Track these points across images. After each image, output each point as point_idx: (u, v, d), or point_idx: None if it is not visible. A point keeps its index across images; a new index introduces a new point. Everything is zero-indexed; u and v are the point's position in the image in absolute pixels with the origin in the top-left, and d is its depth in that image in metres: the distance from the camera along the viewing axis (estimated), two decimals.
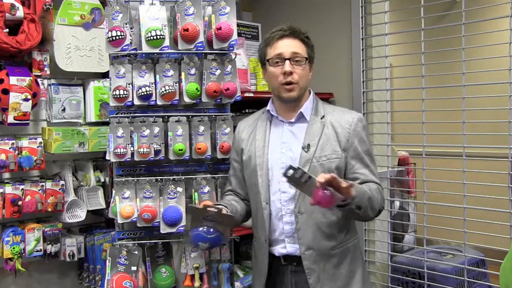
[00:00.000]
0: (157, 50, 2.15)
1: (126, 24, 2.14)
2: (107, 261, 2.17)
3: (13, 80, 2.29)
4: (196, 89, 2.19)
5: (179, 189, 2.19)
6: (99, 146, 2.58)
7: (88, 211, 2.60)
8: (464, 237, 2.65)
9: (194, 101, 2.21)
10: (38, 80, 2.41)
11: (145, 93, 2.15)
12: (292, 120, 1.93)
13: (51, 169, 2.55)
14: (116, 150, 2.13)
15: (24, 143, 2.36)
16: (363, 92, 3.02)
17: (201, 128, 2.23)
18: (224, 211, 1.79)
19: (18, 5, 2.29)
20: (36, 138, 2.40)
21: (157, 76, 2.18)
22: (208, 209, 1.76)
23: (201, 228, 1.75)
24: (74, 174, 2.60)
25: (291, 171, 1.61)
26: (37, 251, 2.42)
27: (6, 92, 2.27)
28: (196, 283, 2.22)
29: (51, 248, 2.47)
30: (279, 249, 1.91)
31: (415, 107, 2.90)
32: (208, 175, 2.25)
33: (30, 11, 2.34)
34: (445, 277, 2.76)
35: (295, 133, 1.92)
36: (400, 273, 2.95)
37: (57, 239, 2.50)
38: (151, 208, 2.14)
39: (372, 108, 3.03)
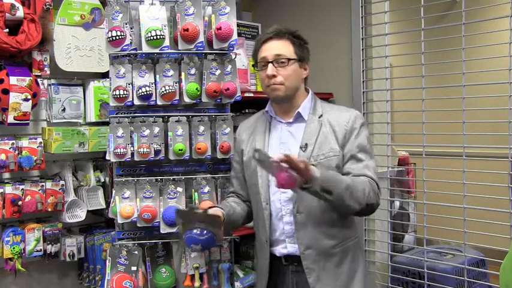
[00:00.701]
0: (157, 50, 2.15)
1: (126, 24, 2.14)
2: (107, 261, 2.17)
3: (13, 80, 2.28)
4: (196, 89, 2.19)
5: (179, 189, 2.19)
6: (99, 146, 2.58)
7: (88, 211, 2.60)
8: (464, 237, 2.65)
9: (194, 101, 2.21)
10: (38, 80, 2.41)
11: (145, 93, 2.15)
12: (291, 120, 1.93)
13: (51, 169, 2.55)
14: (116, 150, 2.13)
15: (24, 143, 2.36)
16: (363, 92, 3.02)
17: (201, 128, 2.23)
18: (211, 211, 1.78)
19: (18, 5, 2.28)
20: (36, 138, 2.40)
21: (157, 76, 2.18)
22: (195, 211, 1.76)
23: (194, 231, 1.75)
24: (74, 174, 2.60)
25: (256, 154, 1.65)
26: (37, 251, 2.42)
27: (6, 92, 2.27)
28: (196, 283, 2.22)
29: (51, 248, 2.47)
30: (279, 250, 1.91)
31: (415, 107, 2.90)
32: (208, 175, 2.25)
33: (30, 11, 2.34)
34: (445, 277, 2.76)
35: (293, 133, 1.92)
36: (400, 273, 2.95)
37: (57, 239, 2.49)
38: (151, 208, 2.14)
39: (372, 108, 3.03)
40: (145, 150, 2.14)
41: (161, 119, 2.20)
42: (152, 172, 2.23)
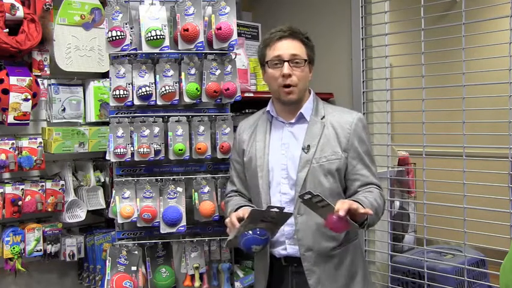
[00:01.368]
0: (157, 50, 2.15)
1: (126, 24, 2.14)
2: (107, 261, 2.17)
3: (13, 80, 2.29)
4: (196, 89, 2.19)
5: (179, 189, 2.19)
6: (99, 146, 2.58)
7: (88, 211, 2.60)
8: (464, 237, 2.65)
9: (194, 101, 2.21)
10: (38, 80, 2.41)
11: (145, 93, 2.15)
12: (292, 121, 1.92)
13: (51, 169, 2.55)
14: (116, 150, 2.13)
15: (24, 143, 2.36)
16: (363, 92, 3.02)
17: (201, 128, 2.23)
18: (286, 210, 1.74)
19: (18, 5, 2.29)
20: (36, 138, 2.40)
21: (157, 76, 2.18)
22: (271, 210, 1.69)
23: (251, 232, 1.70)
24: (74, 174, 2.60)
25: (307, 196, 1.60)
26: (37, 251, 2.42)
27: (6, 92, 2.27)
28: (196, 283, 2.22)
29: (51, 248, 2.47)
30: (279, 251, 1.90)
31: (415, 107, 2.90)
32: (208, 175, 2.25)
33: (30, 11, 2.34)
34: (445, 277, 2.76)
35: (295, 134, 1.91)
36: (400, 273, 2.95)
37: (57, 239, 2.50)
38: (151, 208, 2.14)
39: (372, 108, 3.03)
40: (145, 150, 2.14)
41: (161, 119, 2.20)
42: (152, 172, 2.23)
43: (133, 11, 2.20)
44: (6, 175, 2.42)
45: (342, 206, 1.59)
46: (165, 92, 2.17)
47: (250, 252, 1.75)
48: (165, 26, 2.16)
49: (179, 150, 2.18)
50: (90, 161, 2.64)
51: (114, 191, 2.19)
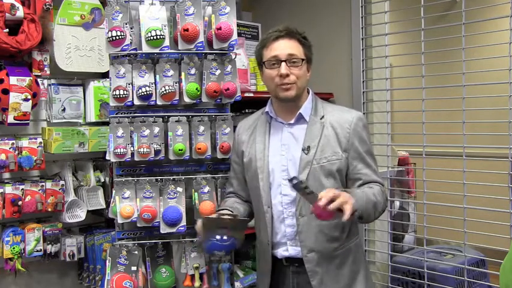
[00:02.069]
0: (157, 50, 2.15)
1: (126, 24, 2.14)
2: (107, 261, 2.17)
3: (13, 80, 2.29)
4: (196, 89, 2.19)
5: (179, 189, 2.19)
6: (99, 146, 2.58)
7: (88, 211, 2.60)
8: (464, 237, 2.65)
9: (194, 101, 2.21)
10: (38, 80, 2.41)
11: (145, 93, 2.15)
12: (292, 121, 1.91)
13: (51, 169, 2.55)
14: (116, 150, 2.13)
15: (24, 143, 2.36)
16: (363, 92, 3.02)
17: (201, 128, 2.23)
18: (238, 217, 1.79)
19: (18, 5, 2.29)
20: (36, 138, 2.40)
21: (157, 76, 2.18)
22: (223, 217, 1.74)
23: (217, 237, 1.74)
24: (74, 174, 2.60)
25: (295, 181, 1.62)
26: (37, 251, 2.42)
27: (6, 92, 2.27)
28: (196, 283, 2.22)
29: (51, 248, 2.47)
30: (281, 252, 1.90)
31: (415, 107, 2.90)
32: (208, 175, 2.25)
33: (30, 11, 2.34)
34: (445, 277, 2.76)
35: (294, 135, 1.91)
36: (400, 273, 2.95)
37: (57, 239, 2.50)
38: (151, 208, 2.14)
39: (372, 108, 3.03)
40: (145, 150, 2.14)
41: (161, 119, 2.19)
42: (152, 172, 2.23)
43: (133, 11, 2.20)
44: (6, 175, 2.42)
45: (325, 195, 1.60)
46: (165, 92, 2.17)
47: (215, 257, 1.81)
48: (165, 26, 2.16)
49: (179, 150, 2.18)
50: (90, 161, 2.64)
51: (114, 191, 2.18)
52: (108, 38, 2.12)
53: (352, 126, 1.87)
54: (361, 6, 3.00)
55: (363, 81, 3.02)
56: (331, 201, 1.60)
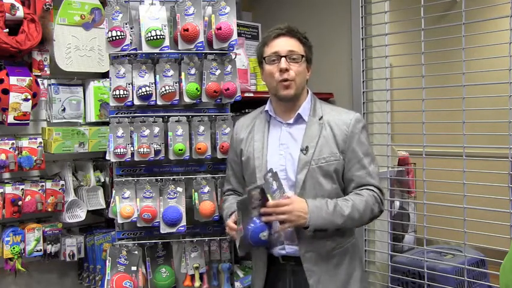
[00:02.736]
0: (157, 50, 2.15)
1: (126, 24, 2.14)
2: (107, 261, 2.17)
3: (13, 80, 2.29)
4: (196, 89, 2.19)
5: (179, 189, 2.19)
6: (99, 146, 2.58)
7: (88, 211, 2.60)
8: (464, 237, 2.65)
9: (194, 101, 2.21)
10: (38, 80, 2.41)
11: (145, 93, 2.15)
12: (291, 121, 1.92)
13: (51, 169, 2.55)
14: (116, 150, 2.13)
15: (24, 143, 2.36)
16: (363, 92, 3.02)
17: (201, 128, 2.23)
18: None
19: (18, 5, 2.28)
20: (36, 138, 2.40)
21: (157, 76, 2.18)
22: (252, 191, 1.73)
23: (252, 224, 1.72)
24: (74, 174, 2.60)
25: (269, 174, 1.74)
26: (37, 251, 2.42)
27: (6, 92, 2.27)
28: (196, 283, 2.22)
29: (51, 248, 2.47)
30: (277, 250, 1.91)
31: (415, 107, 2.90)
32: (208, 175, 2.25)
33: (30, 11, 2.34)
34: (445, 277, 2.76)
35: (293, 135, 1.91)
36: (400, 273, 2.95)
37: (57, 239, 2.49)
38: (151, 208, 2.14)
39: (372, 108, 3.03)
40: (145, 150, 2.14)
41: (161, 119, 2.20)
42: (152, 172, 2.23)
43: (133, 11, 2.20)
44: (6, 175, 2.42)
45: (272, 204, 1.72)
46: (165, 92, 2.17)
47: (263, 243, 1.76)
48: (165, 26, 2.16)
49: (179, 150, 2.18)
50: (90, 161, 2.64)
51: (114, 191, 2.19)
52: (108, 38, 2.12)
53: (350, 128, 1.87)
54: (361, 6, 3.00)
55: (363, 81, 3.02)
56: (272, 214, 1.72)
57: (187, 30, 2.13)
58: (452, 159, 2.77)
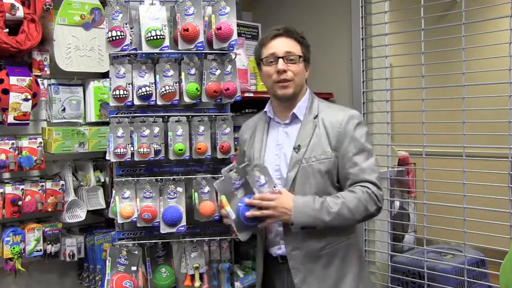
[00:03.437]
0: (157, 50, 2.15)
1: (126, 24, 2.14)
2: (107, 261, 2.17)
3: (13, 80, 2.29)
4: (196, 89, 2.19)
5: (179, 189, 2.19)
6: (99, 146, 2.58)
7: (88, 211, 2.60)
8: (464, 237, 2.65)
9: (194, 101, 2.21)
10: (38, 80, 2.41)
11: (145, 93, 2.15)
12: (287, 121, 1.93)
13: (51, 169, 2.55)
14: (116, 150, 2.13)
15: (24, 143, 2.36)
16: (363, 92, 3.02)
17: (201, 128, 2.23)
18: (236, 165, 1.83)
19: (18, 5, 2.28)
20: (36, 138, 2.40)
21: (157, 76, 2.18)
22: (229, 172, 1.76)
23: (240, 204, 1.76)
24: (74, 174, 2.60)
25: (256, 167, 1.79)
26: (37, 251, 2.42)
27: (6, 92, 2.27)
28: (196, 283, 2.22)
29: (51, 248, 2.47)
30: (275, 250, 1.91)
31: (415, 107, 2.90)
32: (208, 175, 2.25)
33: (30, 11, 2.34)
34: (445, 277, 2.76)
35: (289, 134, 1.92)
36: (400, 273, 2.95)
37: (57, 239, 2.49)
38: (151, 208, 2.14)
39: (372, 108, 3.03)
40: (145, 150, 2.14)
41: (161, 119, 2.20)
42: (152, 172, 2.23)
43: (133, 11, 2.20)
44: (6, 175, 2.42)
45: (258, 197, 1.76)
46: (165, 92, 2.17)
47: (257, 221, 1.78)
48: (165, 26, 2.16)
49: (179, 150, 2.18)
50: (90, 161, 2.64)
51: (114, 191, 2.18)
52: (108, 38, 2.12)
53: (342, 125, 1.85)
54: (361, 6, 3.00)
55: (363, 81, 3.02)
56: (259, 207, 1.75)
57: (187, 30, 2.13)
58: (452, 159, 2.77)
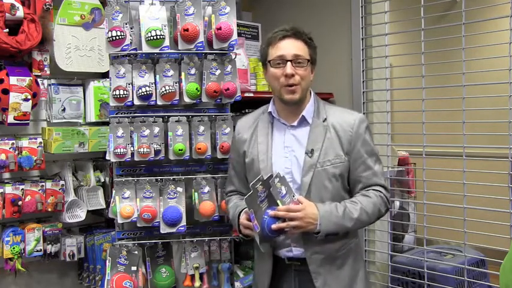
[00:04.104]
0: (157, 50, 2.15)
1: (126, 24, 2.14)
2: (107, 261, 2.17)
3: (13, 80, 2.29)
4: (196, 89, 2.19)
5: (179, 189, 2.19)
6: (99, 146, 2.58)
7: (88, 211, 2.60)
8: (464, 237, 2.65)
9: (194, 101, 2.21)
10: (38, 80, 2.41)
11: (145, 93, 2.15)
12: (295, 124, 1.91)
13: (51, 169, 2.55)
14: (116, 150, 2.13)
15: (24, 143, 2.36)
16: (363, 92, 3.02)
17: (201, 128, 2.23)
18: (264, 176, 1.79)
19: (18, 5, 2.29)
20: (36, 138, 2.40)
21: (157, 76, 2.18)
22: (255, 186, 1.73)
23: (265, 216, 1.73)
24: (74, 174, 2.60)
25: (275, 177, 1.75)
26: (37, 251, 2.42)
27: (6, 92, 2.27)
28: (196, 283, 2.22)
29: (51, 248, 2.47)
30: (284, 252, 1.90)
31: (415, 107, 2.90)
32: (208, 175, 2.25)
33: (30, 11, 2.34)
34: (445, 277, 2.76)
35: (298, 137, 1.90)
36: (400, 273, 2.95)
37: (57, 239, 2.50)
38: (151, 208, 2.14)
39: (372, 108, 3.03)
40: (145, 150, 2.14)
41: (161, 119, 2.20)
42: (152, 172, 2.23)
43: (133, 11, 2.20)
44: (6, 175, 2.42)
45: (283, 209, 1.73)
46: (165, 92, 2.17)
47: (281, 233, 1.77)
48: (165, 26, 2.16)
49: (179, 150, 2.18)
50: (90, 161, 2.64)
51: (114, 191, 2.19)
52: (108, 38, 2.12)
53: (354, 129, 1.87)
54: (361, 6, 3.00)
55: (363, 81, 3.02)
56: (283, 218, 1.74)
57: (187, 30, 2.13)
58: (452, 159, 2.77)
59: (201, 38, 2.17)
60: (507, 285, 1.37)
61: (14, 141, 2.34)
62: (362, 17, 3.01)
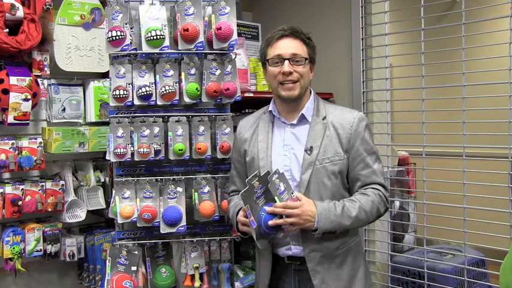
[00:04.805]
0: (157, 50, 2.15)
1: (126, 24, 2.14)
2: (107, 261, 2.17)
3: (13, 80, 2.29)
4: (196, 89, 2.19)
5: (179, 189, 2.19)
6: (99, 146, 2.58)
7: (88, 211, 2.60)
8: (464, 237, 2.65)
9: (194, 101, 2.21)
10: (38, 80, 2.41)
11: (145, 93, 2.15)
12: (294, 122, 1.92)
13: (51, 169, 2.55)
14: (116, 150, 2.13)
15: (24, 143, 2.36)
16: (363, 92, 3.02)
17: (201, 128, 2.23)
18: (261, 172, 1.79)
19: (18, 5, 2.28)
20: (36, 138, 2.40)
21: (157, 76, 2.18)
22: (252, 182, 1.72)
23: (262, 213, 1.73)
24: (74, 174, 2.60)
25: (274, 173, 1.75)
26: (37, 251, 2.42)
27: (6, 92, 2.27)
28: (196, 283, 2.22)
29: (51, 248, 2.47)
30: (283, 251, 1.91)
31: (415, 107, 2.90)
32: (208, 175, 2.25)
33: (30, 11, 2.34)
34: (445, 277, 2.76)
35: (297, 135, 1.91)
36: (400, 273, 2.95)
37: (57, 239, 2.49)
38: (151, 208, 2.14)
39: (372, 108, 3.03)
40: (145, 150, 2.14)
41: (161, 119, 2.20)
42: (152, 172, 2.23)
43: (133, 11, 2.20)
44: (6, 175, 2.42)
45: (280, 205, 1.73)
46: (165, 92, 2.17)
47: (278, 229, 1.76)
48: (165, 26, 2.16)
49: (179, 150, 2.18)
50: (90, 161, 2.64)
51: (114, 191, 2.19)
52: (108, 38, 2.12)
53: (353, 127, 1.87)
54: (361, 6, 3.00)
55: (363, 81, 3.02)
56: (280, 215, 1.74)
57: (187, 30, 2.13)
58: (452, 159, 2.77)
59: (201, 38, 2.17)
60: (507, 286, 1.37)
61: (14, 141, 2.34)
62: (362, 17, 3.01)
